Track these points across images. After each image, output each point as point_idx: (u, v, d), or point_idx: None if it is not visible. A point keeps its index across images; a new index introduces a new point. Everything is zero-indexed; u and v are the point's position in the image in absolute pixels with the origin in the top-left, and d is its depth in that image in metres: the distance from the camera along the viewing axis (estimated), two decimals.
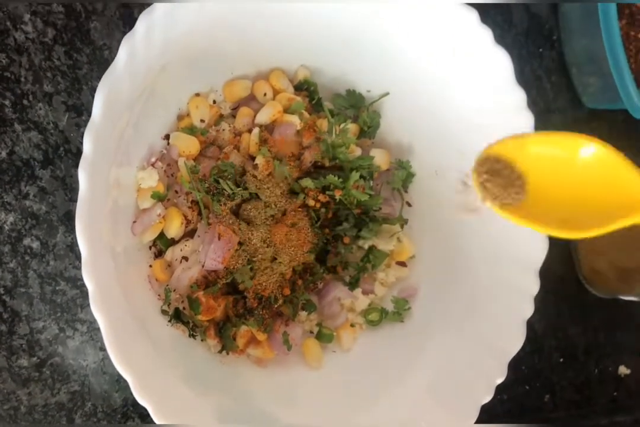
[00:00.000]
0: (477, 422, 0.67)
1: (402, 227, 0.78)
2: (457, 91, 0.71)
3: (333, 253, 0.77)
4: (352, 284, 0.78)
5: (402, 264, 0.79)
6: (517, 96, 0.68)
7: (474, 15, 0.64)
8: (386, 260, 0.78)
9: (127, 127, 0.63)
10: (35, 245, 0.68)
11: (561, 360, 0.99)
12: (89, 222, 0.54)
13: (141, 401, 0.55)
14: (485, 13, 0.64)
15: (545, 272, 0.69)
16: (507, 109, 0.69)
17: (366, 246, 0.78)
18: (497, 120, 0.70)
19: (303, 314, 0.77)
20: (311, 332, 0.78)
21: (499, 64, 0.67)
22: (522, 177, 0.57)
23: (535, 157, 0.57)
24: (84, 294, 0.71)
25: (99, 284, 0.54)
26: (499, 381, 0.68)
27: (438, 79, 0.72)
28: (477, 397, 0.68)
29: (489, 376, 0.68)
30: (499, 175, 0.57)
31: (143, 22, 0.56)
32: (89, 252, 0.53)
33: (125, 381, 0.69)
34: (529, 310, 0.69)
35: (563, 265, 0.98)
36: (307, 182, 0.71)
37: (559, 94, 0.97)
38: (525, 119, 0.69)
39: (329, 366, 0.76)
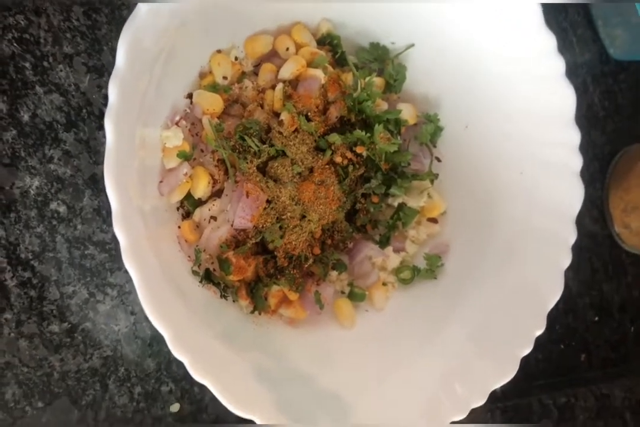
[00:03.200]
0: (507, 394, 0.66)
1: (432, 182, 0.76)
2: (484, 39, 0.70)
3: (362, 212, 0.75)
4: (383, 243, 0.77)
5: (433, 220, 0.77)
6: (547, 40, 0.66)
7: None
8: (417, 217, 0.77)
9: (149, 86, 0.62)
10: (62, 209, 0.67)
11: (596, 318, 0.97)
12: (118, 175, 0.53)
13: (178, 355, 0.54)
14: None
15: (578, 230, 0.67)
16: (537, 55, 0.67)
17: (396, 204, 0.77)
18: (526, 68, 0.68)
19: (334, 273, 0.76)
20: (342, 292, 0.77)
21: (526, 7, 0.65)
22: None
23: None
24: (113, 258, 0.70)
25: (130, 238, 0.53)
26: (539, 332, 0.66)
27: (464, 28, 0.70)
28: (517, 349, 0.66)
29: (528, 327, 0.67)
30: None
31: None
32: (119, 204, 0.52)
33: (157, 345, 0.70)
34: (566, 260, 0.67)
35: (595, 222, 0.97)
36: (334, 138, 0.69)
37: (585, 47, 0.95)
38: (555, 64, 0.67)
39: (362, 326, 0.75)
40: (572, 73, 0.88)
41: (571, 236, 0.68)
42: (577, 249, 0.67)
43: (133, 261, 0.52)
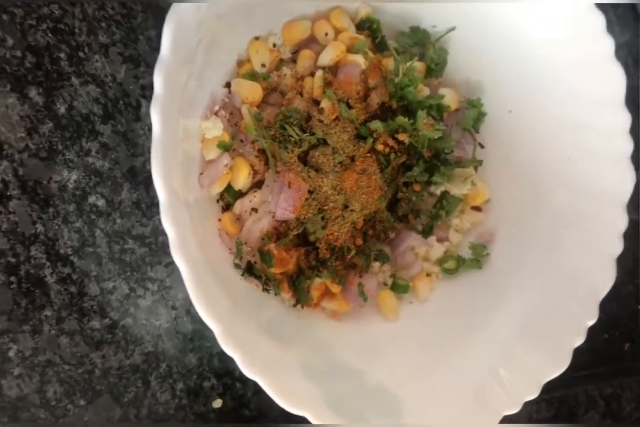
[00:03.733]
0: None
1: (475, 169, 0.74)
2: (528, 21, 0.67)
3: (404, 201, 0.74)
4: (426, 232, 0.75)
5: (478, 208, 0.75)
6: (596, 20, 0.64)
7: None
8: (460, 205, 0.75)
9: (190, 76, 0.60)
10: (101, 203, 0.66)
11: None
12: (165, 166, 0.51)
13: (228, 351, 0.53)
14: None
15: None
16: (585, 35, 0.65)
17: (438, 192, 0.75)
18: (574, 50, 0.66)
19: (376, 265, 0.74)
20: (385, 284, 0.75)
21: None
22: None
23: None
24: (153, 252, 0.68)
25: (178, 230, 0.51)
26: (591, 322, 0.65)
27: (508, 9, 0.67)
28: (568, 340, 0.65)
29: (580, 317, 0.65)
30: None
31: None
32: (167, 196, 0.50)
33: (199, 340, 0.68)
34: (618, 247, 0.66)
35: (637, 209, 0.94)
36: (376, 125, 0.68)
37: (625, 27, 0.92)
38: (604, 46, 0.65)
39: (406, 318, 0.73)
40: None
41: (622, 223, 0.66)
42: None
43: (182, 254, 0.51)
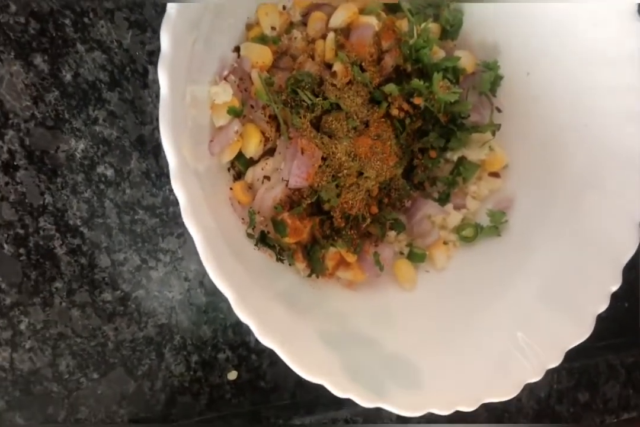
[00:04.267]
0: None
1: (493, 134, 0.72)
2: None
3: (419, 168, 0.72)
4: (442, 200, 0.73)
5: (496, 174, 0.73)
6: None
7: None
8: (478, 172, 0.73)
9: (197, 40, 0.58)
10: (110, 173, 0.64)
11: None
12: (174, 130, 0.50)
13: (242, 317, 0.51)
14: None
15: None
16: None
17: (455, 158, 0.73)
18: (594, 7, 0.64)
19: (392, 234, 0.72)
20: (401, 253, 0.73)
21: None
22: None
23: None
24: (164, 222, 0.67)
25: (189, 196, 0.50)
26: (614, 288, 0.63)
27: None
28: (591, 306, 0.63)
29: (603, 283, 0.64)
30: None
31: None
32: (177, 160, 0.49)
33: (213, 312, 0.67)
34: None
35: None
36: (391, 88, 0.65)
37: None
38: (627, 2, 0.62)
39: (423, 287, 0.72)
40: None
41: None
42: None
43: (194, 219, 0.49)
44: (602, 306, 0.63)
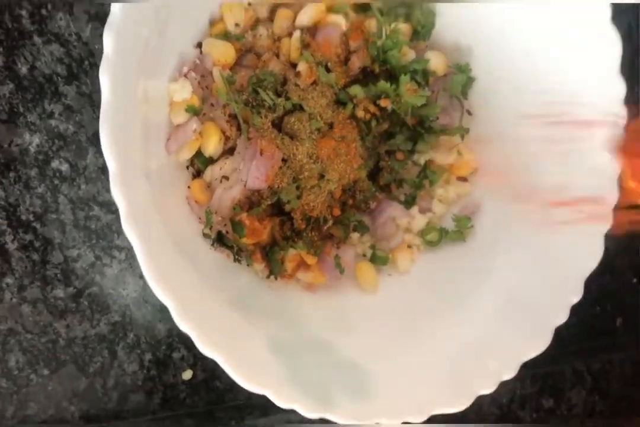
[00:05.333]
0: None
1: (462, 138, 0.70)
2: None
3: (386, 170, 0.70)
4: (408, 203, 0.72)
5: (463, 179, 0.72)
6: None
7: None
8: (445, 175, 0.71)
9: (152, 34, 0.56)
10: (65, 168, 0.63)
11: (634, 280, 0.92)
12: (116, 134, 0.48)
13: (184, 328, 0.50)
14: None
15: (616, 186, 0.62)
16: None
17: (422, 161, 0.71)
18: (569, 13, 0.62)
19: (355, 236, 0.71)
20: (364, 255, 0.72)
21: None
22: None
23: None
24: (120, 219, 0.66)
25: (131, 201, 0.48)
26: (575, 300, 0.62)
27: None
28: (550, 318, 0.62)
29: (564, 294, 0.62)
30: None
31: None
32: (118, 165, 0.47)
33: (168, 310, 0.66)
34: (607, 223, 0.62)
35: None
36: (356, 90, 0.64)
37: None
38: (599, 11, 0.61)
39: (384, 290, 0.71)
40: (615, 17, 0.82)
41: (612, 197, 0.62)
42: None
43: (134, 228, 0.48)
44: (561, 319, 0.62)
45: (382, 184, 0.71)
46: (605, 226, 0.62)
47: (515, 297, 0.65)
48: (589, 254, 0.62)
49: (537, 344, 0.62)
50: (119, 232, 0.66)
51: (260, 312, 0.63)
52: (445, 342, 0.65)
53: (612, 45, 0.62)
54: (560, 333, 0.61)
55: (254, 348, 0.58)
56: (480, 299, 0.67)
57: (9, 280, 0.62)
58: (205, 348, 0.52)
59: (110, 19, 0.48)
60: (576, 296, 0.62)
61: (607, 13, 0.60)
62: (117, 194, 0.48)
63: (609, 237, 0.86)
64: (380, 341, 0.66)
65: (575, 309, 0.61)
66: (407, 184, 0.72)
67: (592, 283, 0.88)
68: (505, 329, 0.64)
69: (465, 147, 0.71)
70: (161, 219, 0.56)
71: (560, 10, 0.63)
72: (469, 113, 0.71)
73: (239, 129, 0.63)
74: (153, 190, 0.56)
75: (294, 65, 0.65)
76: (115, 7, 0.48)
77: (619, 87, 0.62)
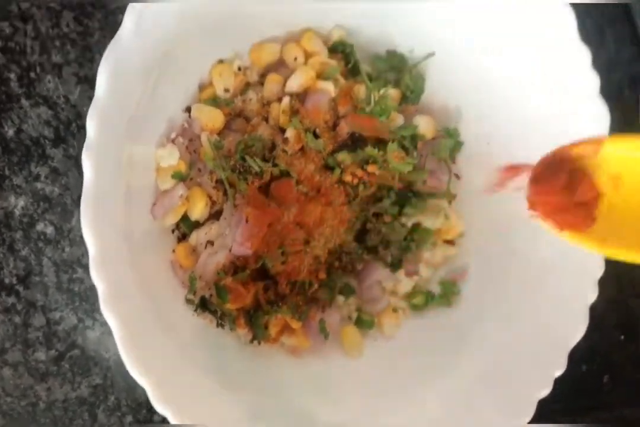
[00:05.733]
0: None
1: (450, 202, 0.70)
2: (511, 50, 0.63)
3: (373, 232, 0.70)
4: (395, 265, 0.72)
5: (450, 242, 0.72)
6: (581, 54, 0.60)
7: None
8: (432, 238, 0.71)
9: (142, 98, 0.57)
10: (49, 230, 0.63)
11: (622, 338, 0.91)
12: (97, 213, 0.49)
13: (161, 410, 0.50)
14: None
15: None
16: (569, 69, 0.61)
17: (410, 223, 0.71)
18: (557, 83, 0.62)
19: (341, 298, 0.71)
20: (349, 318, 0.72)
21: (560, 18, 0.59)
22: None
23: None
24: None
25: (110, 283, 0.48)
26: (559, 372, 0.62)
27: (490, 39, 0.64)
28: (533, 391, 0.62)
29: (547, 367, 0.62)
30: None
31: None
32: (97, 248, 0.47)
33: None
34: (592, 294, 0.62)
35: None
36: (344, 156, 0.64)
37: (622, 45, 0.88)
38: (589, 80, 0.61)
39: (369, 355, 0.70)
40: (606, 74, 0.82)
41: (598, 269, 0.63)
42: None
43: (113, 310, 0.48)
44: (545, 391, 0.62)
45: (369, 246, 0.71)
46: (592, 296, 0.62)
47: (497, 367, 0.65)
48: (573, 326, 0.62)
49: (518, 417, 0.62)
50: None
51: (241, 379, 0.62)
52: (428, 409, 0.65)
53: (600, 117, 0.62)
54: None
55: (235, 419, 0.57)
56: (463, 366, 0.66)
57: None
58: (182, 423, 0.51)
59: (94, 103, 0.47)
60: (560, 369, 0.62)
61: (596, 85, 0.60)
62: (97, 276, 0.48)
63: (597, 296, 0.86)
64: (362, 406, 0.65)
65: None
66: (394, 245, 0.72)
67: (579, 342, 0.88)
68: (487, 398, 0.64)
69: (453, 211, 0.71)
70: (142, 289, 0.56)
71: (548, 77, 0.63)
72: (457, 177, 0.71)
73: (225, 193, 0.63)
74: (135, 258, 0.56)
75: (282, 130, 0.65)
76: (99, 90, 0.47)
77: None
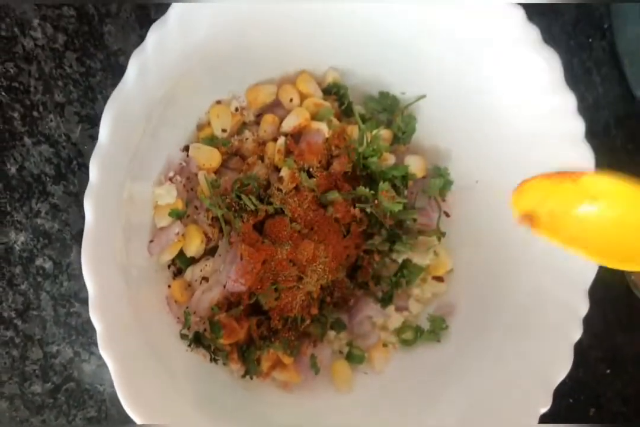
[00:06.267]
0: None
1: (439, 240, 0.72)
2: (500, 94, 0.65)
3: (364, 268, 0.72)
4: (385, 301, 0.73)
5: (439, 279, 0.74)
6: (567, 99, 0.62)
7: (520, 13, 0.58)
8: (422, 275, 0.73)
9: (143, 138, 0.58)
10: (48, 265, 0.64)
11: (608, 371, 0.93)
12: (98, 254, 0.50)
13: None
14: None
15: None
16: (555, 113, 0.63)
17: (400, 260, 0.73)
18: (544, 126, 0.64)
19: (332, 333, 0.72)
20: (340, 352, 0.73)
21: (546, 64, 0.61)
22: None
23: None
24: None
25: (108, 324, 0.50)
26: (544, 410, 0.63)
27: (480, 81, 0.66)
28: None
29: (533, 404, 0.63)
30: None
31: (154, 34, 0.51)
32: (96, 289, 0.49)
33: None
34: (577, 333, 0.64)
35: (609, 270, 0.92)
36: (334, 196, 0.66)
37: (609, 87, 0.90)
38: (575, 125, 0.63)
39: (359, 389, 0.71)
40: (594, 115, 0.84)
41: (583, 308, 0.64)
42: (589, 298, 0.64)
43: (110, 350, 0.49)
44: None
45: (360, 282, 0.73)
46: (577, 335, 0.64)
47: (484, 402, 0.66)
48: (559, 364, 0.64)
49: None
50: None
51: (232, 413, 0.63)
52: None
53: (585, 160, 0.64)
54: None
55: None
56: (451, 401, 0.68)
57: None
58: None
59: (97, 149, 0.49)
60: (545, 406, 0.63)
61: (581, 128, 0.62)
62: (95, 317, 0.49)
63: (583, 330, 0.88)
64: None
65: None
66: (384, 281, 0.73)
67: (566, 376, 0.89)
68: None
69: (442, 248, 0.73)
70: (139, 327, 0.57)
71: (536, 121, 0.65)
72: (447, 215, 0.73)
73: (221, 230, 0.65)
74: (131, 294, 0.57)
75: (277, 169, 0.67)
76: (102, 136, 0.49)
77: None
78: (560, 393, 0.88)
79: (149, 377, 0.55)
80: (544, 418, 0.87)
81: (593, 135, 0.63)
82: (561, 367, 0.64)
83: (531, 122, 0.65)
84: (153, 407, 0.53)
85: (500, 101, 0.66)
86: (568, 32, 0.86)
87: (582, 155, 0.64)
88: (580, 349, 0.89)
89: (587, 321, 0.80)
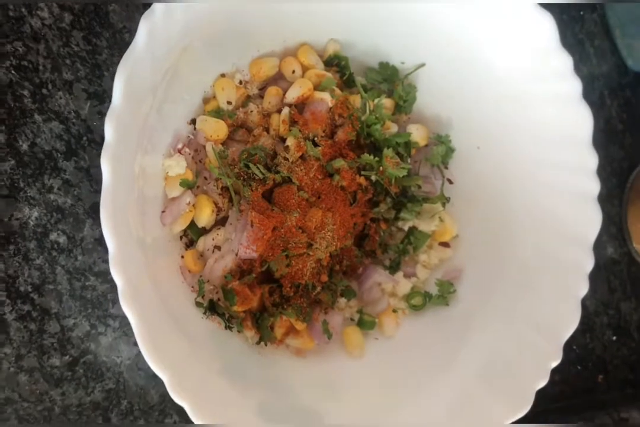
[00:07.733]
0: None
1: (443, 206, 0.74)
2: (498, 59, 0.67)
3: (371, 236, 0.73)
4: (393, 268, 0.75)
5: (445, 244, 0.75)
6: (563, 61, 0.63)
7: None
8: (428, 241, 0.74)
9: (150, 112, 0.60)
10: (62, 240, 0.66)
11: (614, 338, 0.94)
12: (115, 214, 0.51)
13: (178, 400, 0.52)
14: None
15: (595, 248, 0.65)
16: (552, 75, 0.64)
17: (406, 227, 0.74)
18: (541, 88, 0.66)
19: (342, 301, 0.74)
20: (352, 319, 0.74)
21: (542, 27, 0.63)
22: None
23: None
24: (115, 288, 0.67)
25: (128, 279, 0.51)
26: (554, 364, 0.64)
27: (478, 47, 0.67)
28: (531, 382, 0.64)
29: (543, 359, 0.65)
30: None
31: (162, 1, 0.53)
32: (116, 246, 0.50)
33: None
34: (583, 288, 0.65)
35: (614, 239, 0.94)
36: (340, 163, 0.67)
37: (602, 59, 0.92)
38: (571, 86, 0.64)
39: (371, 354, 0.73)
40: (589, 86, 0.86)
41: (588, 264, 0.65)
42: (594, 267, 0.65)
43: (131, 305, 0.51)
44: (542, 382, 0.64)
45: (368, 250, 0.74)
46: (584, 290, 0.65)
47: (496, 360, 0.67)
48: (567, 319, 0.65)
49: (519, 408, 0.64)
50: (114, 301, 0.68)
51: (250, 380, 0.64)
52: (430, 405, 0.67)
53: (583, 120, 0.65)
54: (543, 391, 0.63)
55: (244, 416, 0.60)
56: (463, 361, 0.69)
57: (7, 350, 0.64)
58: (198, 419, 0.54)
59: (111, 110, 0.50)
60: (555, 360, 0.64)
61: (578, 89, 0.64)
62: (116, 272, 0.50)
63: (588, 298, 0.89)
64: (366, 404, 0.68)
65: (557, 368, 0.63)
66: (391, 249, 0.75)
67: (573, 343, 0.91)
68: (487, 391, 0.66)
69: (447, 214, 0.74)
70: (156, 291, 0.58)
71: (534, 84, 0.66)
72: (450, 182, 0.74)
73: (231, 200, 0.66)
74: (148, 262, 0.59)
75: (283, 140, 0.68)
76: (116, 98, 0.51)
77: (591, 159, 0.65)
78: (569, 360, 0.91)
79: (168, 337, 0.56)
80: (554, 387, 0.89)
81: (589, 105, 0.65)
82: (569, 321, 0.65)
83: (529, 85, 0.67)
84: (174, 364, 0.54)
85: (498, 65, 0.67)
86: (560, 5, 0.88)
87: (581, 116, 0.65)
88: (586, 316, 0.91)
89: (593, 289, 0.82)
